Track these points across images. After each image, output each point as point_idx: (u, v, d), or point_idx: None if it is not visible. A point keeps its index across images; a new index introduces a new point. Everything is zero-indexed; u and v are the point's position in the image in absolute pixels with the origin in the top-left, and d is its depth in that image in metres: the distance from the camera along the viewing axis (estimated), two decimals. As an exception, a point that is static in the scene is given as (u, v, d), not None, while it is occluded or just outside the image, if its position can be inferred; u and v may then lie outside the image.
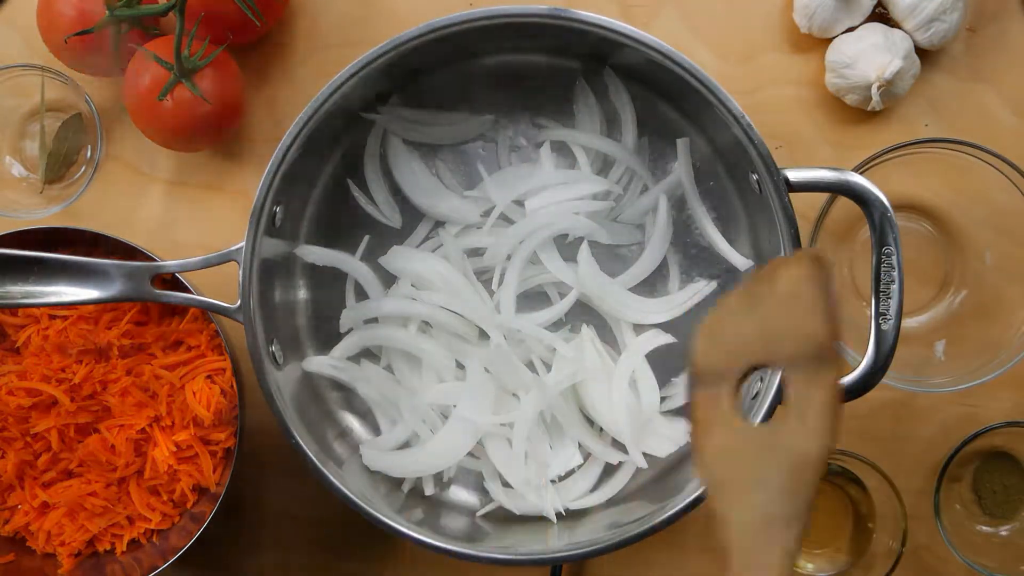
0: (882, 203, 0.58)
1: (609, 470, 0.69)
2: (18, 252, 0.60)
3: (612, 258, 0.69)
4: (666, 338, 0.68)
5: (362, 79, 0.60)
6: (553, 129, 0.69)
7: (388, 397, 0.68)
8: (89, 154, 0.73)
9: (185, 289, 0.64)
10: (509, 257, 0.67)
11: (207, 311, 0.65)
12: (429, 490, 0.68)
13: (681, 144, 0.67)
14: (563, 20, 0.60)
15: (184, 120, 0.64)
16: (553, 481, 0.68)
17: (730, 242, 0.68)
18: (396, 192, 0.70)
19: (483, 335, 0.68)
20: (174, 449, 0.65)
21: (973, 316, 0.71)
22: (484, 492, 0.69)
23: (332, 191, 0.70)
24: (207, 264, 0.61)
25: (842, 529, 0.74)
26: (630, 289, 0.69)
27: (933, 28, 0.68)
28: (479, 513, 0.69)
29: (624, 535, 0.60)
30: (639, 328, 0.69)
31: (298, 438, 0.61)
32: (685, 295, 0.69)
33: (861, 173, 0.61)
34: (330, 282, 0.70)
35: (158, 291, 0.61)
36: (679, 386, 0.69)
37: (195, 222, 0.73)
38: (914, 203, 0.72)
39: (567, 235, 0.68)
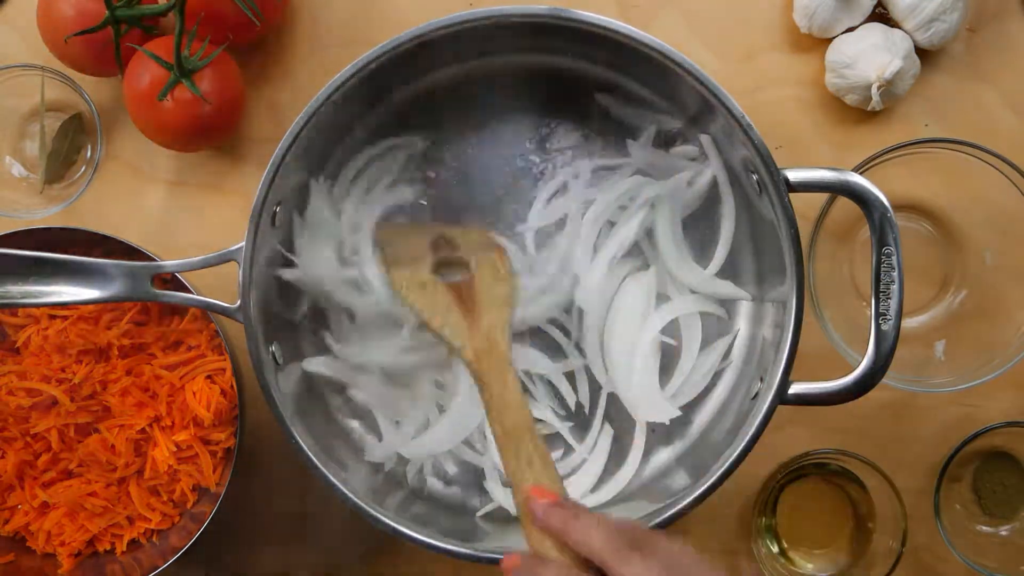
0: (882, 203, 0.58)
1: (610, 469, 0.69)
2: (18, 252, 0.60)
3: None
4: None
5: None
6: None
7: (385, 399, 0.69)
8: (89, 154, 0.73)
9: (185, 289, 0.64)
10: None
11: (207, 311, 0.65)
12: (429, 475, 0.69)
13: (706, 140, 0.67)
14: (563, 20, 0.60)
15: (184, 120, 0.64)
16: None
17: (730, 242, 0.68)
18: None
19: None
20: (174, 449, 0.65)
21: (973, 316, 0.71)
22: (484, 492, 0.69)
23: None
24: (207, 264, 0.61)
25: (842, 529, 0.74)
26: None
27: (933, 28, 0.68)
28: (479, 513, 0.69)
29: (624, 535, 0.60)
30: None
31: (298, 438, 0.61)
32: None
33: (861, 173, 0.61)
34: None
35: (158, 291, 0.61)
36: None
37: (195, 222, 0.73)
38: (914, 203, 0.72)
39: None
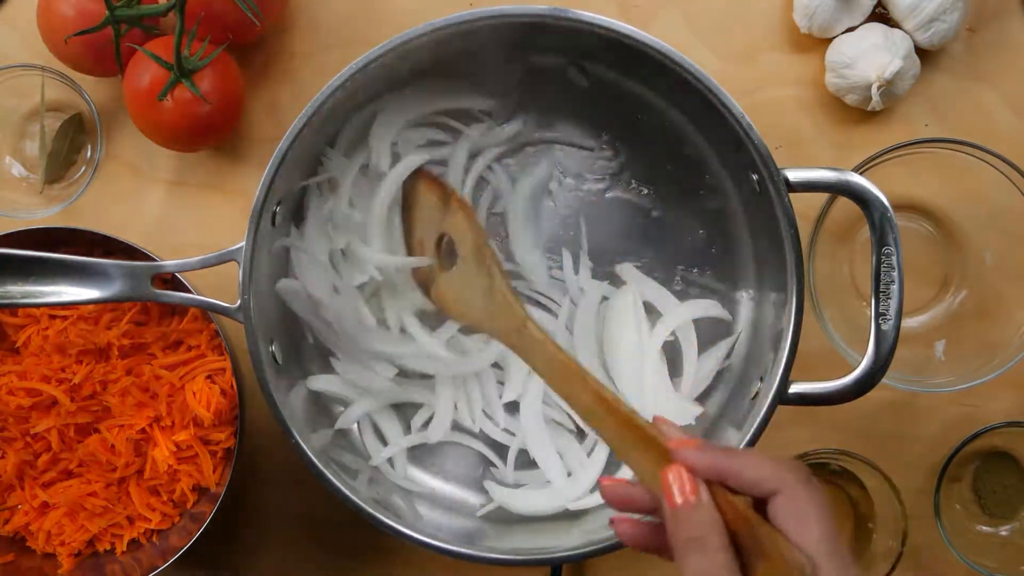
0: (882, 203, 0.58)
1: (610, 470, 0.69)
2: (18, 252, 0.60)
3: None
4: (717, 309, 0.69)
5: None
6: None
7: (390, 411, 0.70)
8: (89, 154, 0.73)
9: (185, 289, 0.64)
10: None
11: (207, 311, 0.65)
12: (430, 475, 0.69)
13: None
14: (563, 20, 0.60)
15: (184, 120, 0.64)
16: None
17: (732, 240, 0.69)
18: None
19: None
20: (174, 449, 0.65)
21: (973, 316, 0.71)
22: (484, 492, 0.69)
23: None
24: (207, 264, 0.61)
25: (842, 529, 0.74)
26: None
27: (933, 28, 0.68)
28: (479, 513, 0.69)
29: (624, 535, 0.60)
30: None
31: (298, 438, 0.61)
32: None
33: (861, 173, 0.61)
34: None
35: (158, 291, 0.61)
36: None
37: (195, 222, 0.73)
38: (914, 203, 0.72)
39: None
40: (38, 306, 0.63)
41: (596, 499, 0.68)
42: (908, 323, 0.71)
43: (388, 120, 0.67)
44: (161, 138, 0.67)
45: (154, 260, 0.63)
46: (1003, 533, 0.73)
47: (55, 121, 0.72)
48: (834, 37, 0.70)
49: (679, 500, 0.45)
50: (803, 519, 0.43)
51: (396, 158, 0.67)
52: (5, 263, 0.60)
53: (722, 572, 0.43)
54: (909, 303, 0.68)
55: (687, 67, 0.59)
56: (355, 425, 0.70)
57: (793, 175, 0.59)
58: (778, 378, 0.60)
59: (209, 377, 0.67)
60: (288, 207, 0.65)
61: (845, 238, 0.72)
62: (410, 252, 0.67)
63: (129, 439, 0.65)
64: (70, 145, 0.73)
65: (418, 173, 0.66)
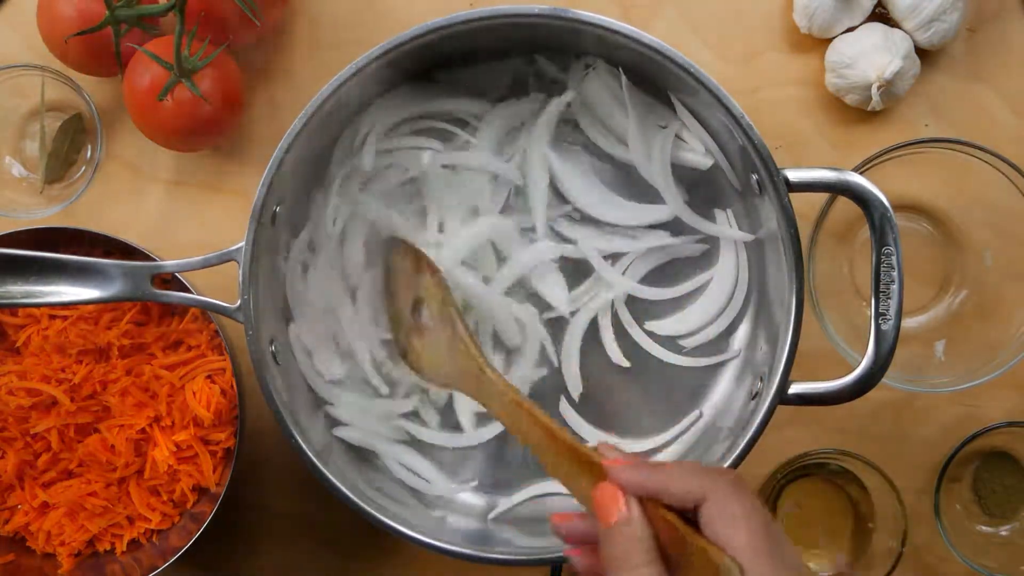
0: (882, 203, 0.58)
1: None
2: (18, 252, 0.60)
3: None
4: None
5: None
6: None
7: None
8: (89, 154, 0.73)
9: (185, 289, 0.64)
10: None
11: (207, 311, 0.65)
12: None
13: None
14: (563, 20, 0.60)
15: (184, 120, 0.64)
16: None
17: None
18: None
19: None
20: (174, 449, 0.65)
21: (973, 316, 0.71)
22: (488, 495, 0.69)
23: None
24: (207, 264, 0.61)
25: (842, 529, 0.74)
26: None
27: (933, 28, 0.68)
28: (490, 516, 0.68)
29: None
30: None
31: (298, 438, 0.61)
32: None
33: (861, 173, 0.61)
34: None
35: (158, 291, 0.61)
36: None
37: (195, 222, 0.73)
38: (914, 203, 0.72)
39: None
40: (38, 306, 0.63)
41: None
42: (908, 323, 0.71)
43: (382, 120, 0.67)
44: (161, 138, 0.67)
45: (154, 260, 0.63)
46: (1003, 533, 0.73)
47: (55, 121, 0.72)
48: (834, 37, 0.70)
49: (609, 518, 0.45)
50: (731, 523, 0.43)
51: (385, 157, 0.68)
52: (5, 263, 0.60)
53: None
54: (909, 303, 0.68)
55: (687, 67, 0.59)
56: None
57: (793, 175, 0.59)
58: (778, 378, 0.60)
59: (209, 377, 0.67)
60: (288, 207, 0.65)
61: (845, 238, 0.72)
62: (391, 318, 0.67)
63: (129, 439, 0.65)
64: (70, 145, 0.73)
65: (393, 242, 0.67)
